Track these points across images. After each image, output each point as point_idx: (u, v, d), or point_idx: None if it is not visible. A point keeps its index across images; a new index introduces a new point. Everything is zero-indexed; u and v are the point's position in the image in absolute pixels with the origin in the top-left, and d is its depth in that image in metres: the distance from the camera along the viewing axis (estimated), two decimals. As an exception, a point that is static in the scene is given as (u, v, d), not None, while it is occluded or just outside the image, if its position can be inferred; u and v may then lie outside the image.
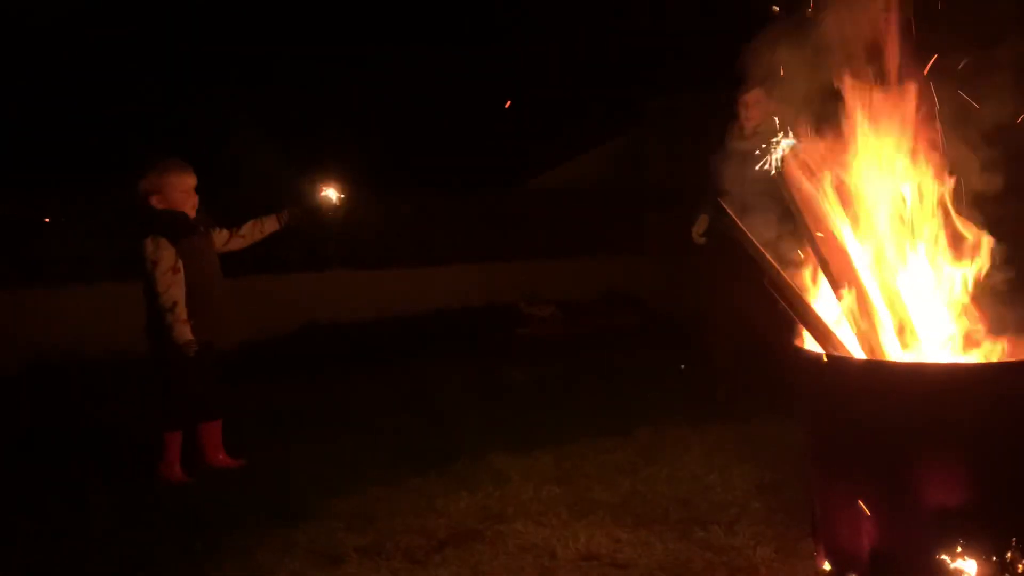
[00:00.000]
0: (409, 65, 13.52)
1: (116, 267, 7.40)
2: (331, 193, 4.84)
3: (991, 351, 2.84)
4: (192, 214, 4.48)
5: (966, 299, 2.86)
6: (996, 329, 2.87)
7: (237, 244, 4.77)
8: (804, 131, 2.96)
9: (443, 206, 10.59)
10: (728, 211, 2.95)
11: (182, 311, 4.32)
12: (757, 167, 3.73)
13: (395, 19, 13.86)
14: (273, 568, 3.32)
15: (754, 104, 5.48)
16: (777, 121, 3.03)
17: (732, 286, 5.37)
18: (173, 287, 4.32)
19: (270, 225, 4.82)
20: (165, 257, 4.31)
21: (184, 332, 4.31)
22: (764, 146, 5.40)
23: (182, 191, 4.43)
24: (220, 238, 4.69)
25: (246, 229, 4.77)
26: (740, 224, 2.92)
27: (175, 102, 12.56)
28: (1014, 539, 2.55)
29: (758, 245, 2.91)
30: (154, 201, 4.37)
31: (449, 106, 13.70)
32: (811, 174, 2.91)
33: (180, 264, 4.34)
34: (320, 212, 4.91)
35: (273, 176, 10.48)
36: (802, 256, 2.99)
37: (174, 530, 3.72)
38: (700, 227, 5.80)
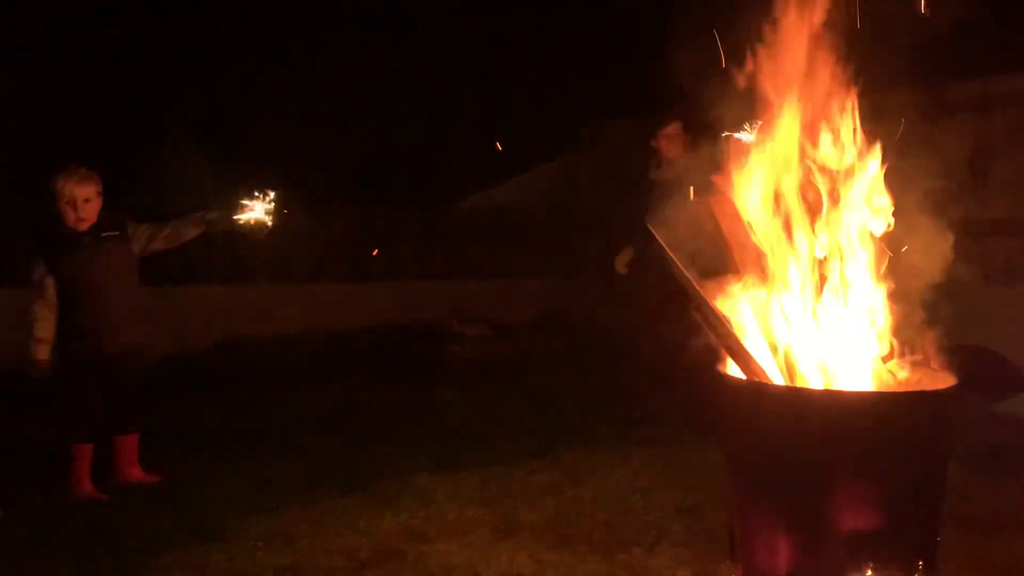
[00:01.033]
0: (346, 82, 13.46)
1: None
2: (257, 208, 4.73)
3: (902, 379, 2.95)
4: (92, 220, 4.38)
5: (879, 325, 2.96)
6: (908, 356, 2.97)
7: (162, 244, 4.60)
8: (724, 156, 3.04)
9: (376, 223, 10.53)
10: (656, 237, 3.00)
11: (40, 329, 4.30)
12: (677, 196, 3.85)
13: (332, 35, 13.80)
14: (187, 589, 3.23)
15: (674, 136, 5.68)
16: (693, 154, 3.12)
17: (656, 313, 5.50)
18: (36, 301, 4.32)
19: (195, 226, 4.61)
20: (35, 272, 4.34)
21: (33, 351, 4.30)
22: (680, 178, 5.63)
23: (84, 199, 4.35)
24: (141, 239, 4.53)
25: (169, 228, 4.60)
26: (668, 251, 2.97)
27: (105, 110, 12.26)
28: (920, 562, 2.65)
29: (684, 271, 2.97)
30: (60, 205, 4.33)
31: (385, 124, 13.66)
32: (730, 203, 2.98)
33: (48, 282, 4.31)
34: (244, 227, 4.80)
35: (205, 189, 10.29)
36: (724, 283, 3.06)
37: (82, 549, 3.58)
38: (624, 258, 5.92)
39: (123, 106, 12.49)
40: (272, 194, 4.71)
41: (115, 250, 4.45)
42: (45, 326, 4.30)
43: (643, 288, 5.69)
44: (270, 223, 4.68)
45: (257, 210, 4.67)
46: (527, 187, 12.12)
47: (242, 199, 4.67)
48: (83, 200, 4.34)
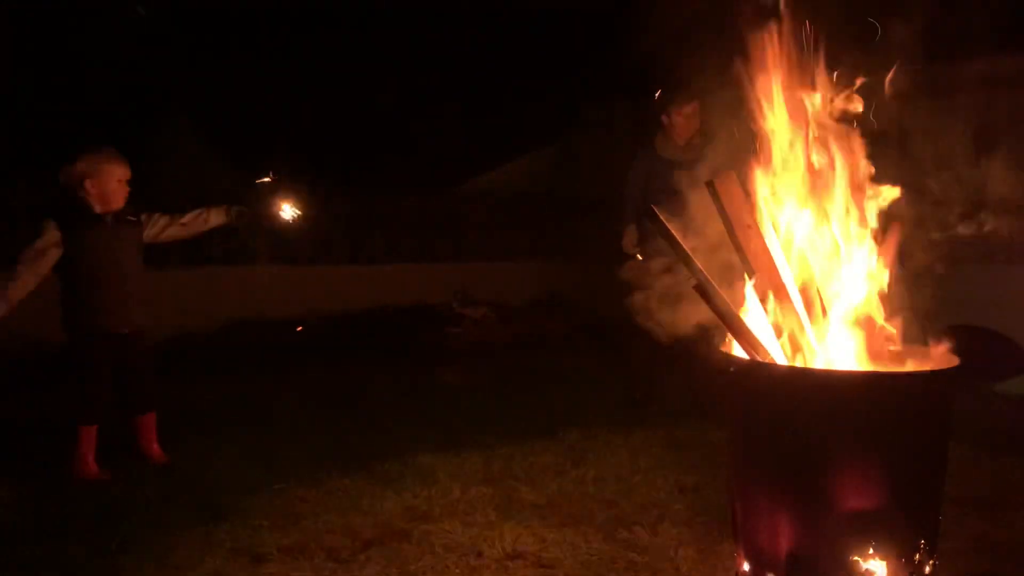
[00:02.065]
0: (346, 65, 13.40)
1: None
2: (287, 209, 4.82)
3: (904, 358, 2.95)
4: (121, 204, 4.40)
5: (883, 306, 2.96)
6: (909, 337, 2.98)
7: (177, 233, 4.65)
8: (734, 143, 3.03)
9: (378, 206, 10.52)
10: (659, 216, 2.99)
11: (14, 287, 4.15)
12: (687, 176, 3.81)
13: (331, 19, 13.72)
14: (193, 566, 3.25)
15: (691, 115, 5.55)
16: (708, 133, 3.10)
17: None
18: (27, 263, 4.20)
19: (216, 217, 4.71)
20: (43, 237, 4.24)
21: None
22: (694, 158, 5.52)
23: (117, 179, 4.38)
24: (156, 226, 4.58)
25: (189, 218, 4.66)
26: (671, 230, 2.97)
27: (111, 101, 12.20)
28: (922, 541, 2.66)
29: (687, 251, 2.97)
30: (88, 185, 4.30)
31: (386, 106, 13.60)
32: (741, 187, 2.97)
33: (53, 252, 4.25)
34: (269, 221, 4.87)
35: (208, 175, 10.28)
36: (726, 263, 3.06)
37: (88, 528, 3.60)
38: (631, 238, 5.71)
39: (120, 93, 12.43)
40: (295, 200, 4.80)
41: (131, 234, 4.49)
42: (22, 289, 4.17)
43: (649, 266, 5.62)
44: (299, 213, 4.76)
45: (286, 211, 4.76)
46: (528, 169, 12.09)
47: (273, 197, 4.75)
48: (116, 181, 4.37)
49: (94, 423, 4.36)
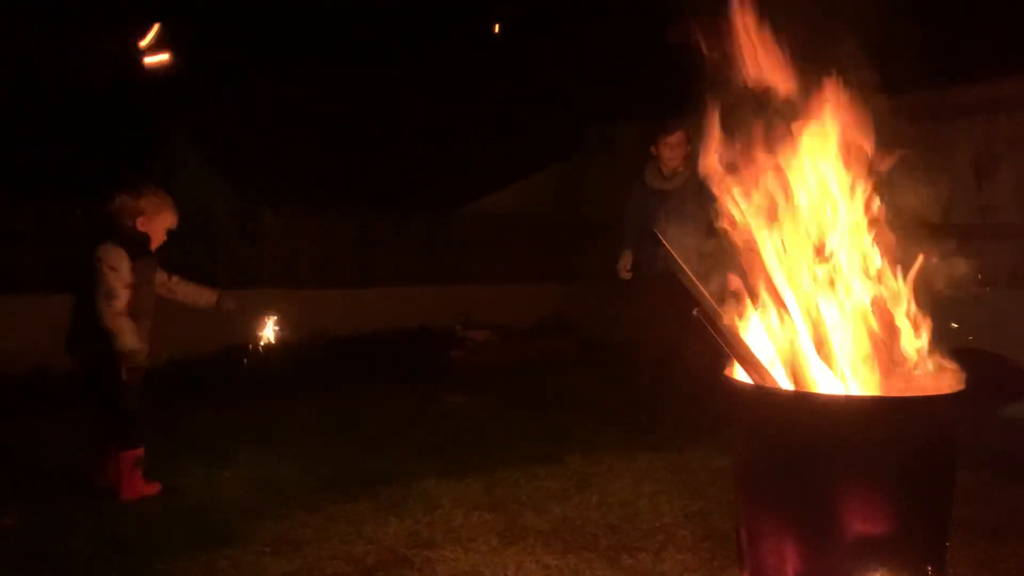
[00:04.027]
0: (350, 86, 13.46)
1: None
2: (270, 328, 4.97)
3: (909, 383, 2.94)
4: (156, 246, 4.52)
5: (887, 330, 2.95)
6: (917, 362, 2.97)
7: (165, 295, 4.68)
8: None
9: (382, 228, 10.53)
10: (665, 243, 3.00)
11: (130, 319, 4.26)
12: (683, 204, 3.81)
13: (336, 40, 13.80)
14: (194, 595, 3.23)
15: (676, 145, 5.65)
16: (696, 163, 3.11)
17: (658, 316, 5.50)
18: (126, 297, 4.26)
19: (206, 299, 4.76)
20: (124, 268, 4.28)
21: (135, 339, 4.25)
22: (682, 186, 5.63)
23: (167, 227, 4.50)
24: (158, 278, 4.63)
25: (180, 286, 4.69)
26: (676, 257, 2.97)
27: (103, 117, 12.25)
28: (929, 567, 2.64)
29: (693, 277, 2.97)
30: (140, 222, 4.37)
31: (390, 129, 13.65)
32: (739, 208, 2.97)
33: (130, 283, 4.31)
34: (250, 334, 5.19)
35: (211, 196, 10.31)
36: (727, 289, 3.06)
37: (91, 556, 3.57)
38: (625, 262, 5.84)
39: (123, 114, 12.48)
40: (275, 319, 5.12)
41: (154, 267, 4.55)
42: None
43: (645, 292, 5.69)
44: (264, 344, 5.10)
45: (269, 329, 4.91)
46: (532, 191, 12.12)
47: (260, 317, 5.19)
48: (165, 229, 4.49)
49: (143, 445, 4.38)
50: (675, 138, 5.65)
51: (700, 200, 4.35)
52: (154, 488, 4.39)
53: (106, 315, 4.21)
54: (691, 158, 5.59)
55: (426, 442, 5.50)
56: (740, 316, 2.99)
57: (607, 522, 3.98)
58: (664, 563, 3.47)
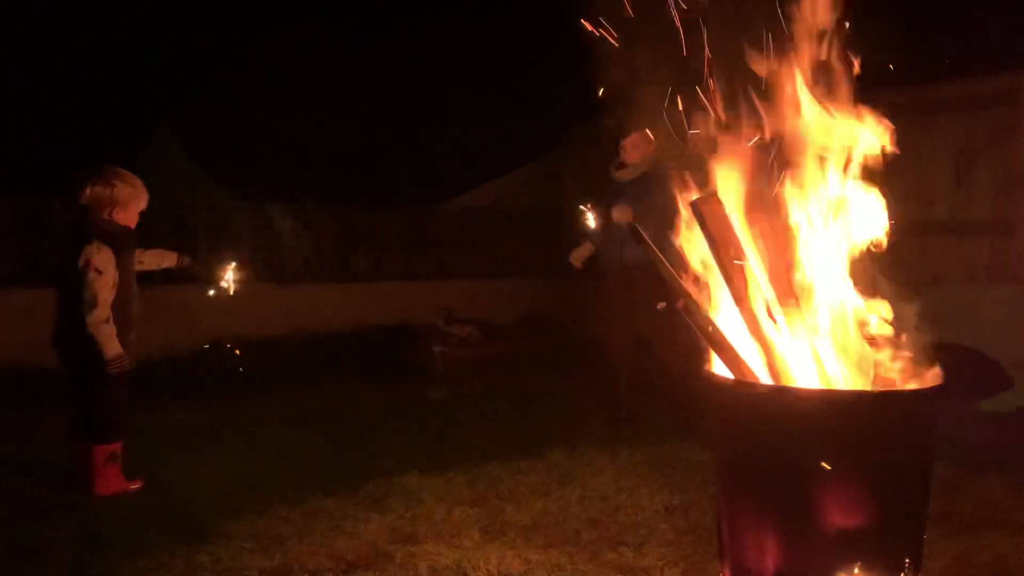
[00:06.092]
0: (330, 81, 13.41)
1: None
2: (230, 276, 5.28)
3: (887, 378, 2.96)
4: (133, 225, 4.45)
5: (865, 324, 2.97)
6: (895, 356, 2.99)
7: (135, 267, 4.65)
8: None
9: (363, 223, 10.50)
10: (643, 236, 3.00)
11: (112, 325, 4.23)
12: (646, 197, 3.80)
13: (315, 34, 13.75)
14: (173, 591, 3.20)
15: (632, 147, 5.79)
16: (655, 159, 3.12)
17: (629, 311, 5.60)
18: (108, 302, 4.22)
19: (168, 260, 4.79)
20: (110, 270, 4.22)
21: (117, 346, 4.23)
22: (640, 179, 5.83)
23: (140, 210, 4.43)
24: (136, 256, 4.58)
25: (145, 256, 4.64)
26: (655, 249, 2.98)
27: (88, 111, 12.15)
28: (907, 560, 2.66)
29: (671, 270, 2.98)
30: (116, 212, 4.31)
31: (371, 123, 13.61)
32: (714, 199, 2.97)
33: (117, 280, 4.26)
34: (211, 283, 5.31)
35: (194, 188, 10.23)
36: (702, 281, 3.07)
37: (69, 552, 3.54)
38: (581, 253, 6.06)
39: (106, 107, 12.39)
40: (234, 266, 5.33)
41: (134, 254, 4.49)
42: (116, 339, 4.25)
43: (604, 283, 5.81)
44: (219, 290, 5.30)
45: (228, 278, 5.28)
46: (512, 187, 12.11)
47: (222, 264, 5.33)
48: (138, 212, 4.43)
49: (118, 440, 4.34)
50: (634, 137, 5.79)
51: (659, 191, 4.41)
52: (136, 484, 4.36)
53: (89, 323, 4.17)
54: (651, 155, 5.76)
55: (408, 437, 5.49)
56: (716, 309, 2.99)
57: (589, 516, 3.99)
58: (645, 557, 3.48)
